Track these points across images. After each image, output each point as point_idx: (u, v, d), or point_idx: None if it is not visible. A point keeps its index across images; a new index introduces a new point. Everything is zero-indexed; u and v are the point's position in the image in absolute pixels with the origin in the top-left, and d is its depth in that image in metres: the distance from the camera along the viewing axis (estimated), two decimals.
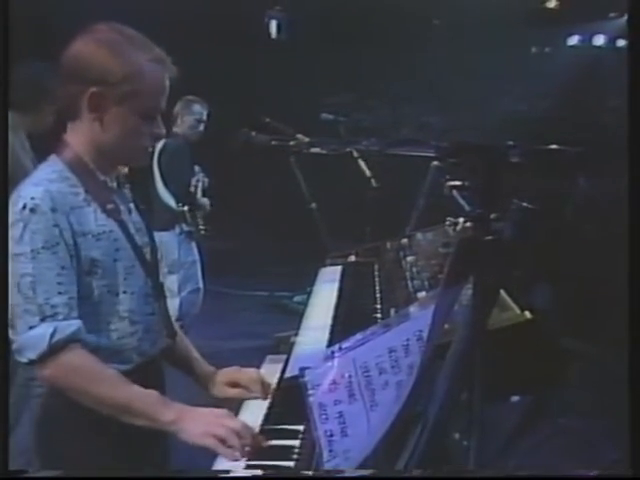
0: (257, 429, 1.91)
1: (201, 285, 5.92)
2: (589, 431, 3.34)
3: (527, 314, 1.86)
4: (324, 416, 1.57)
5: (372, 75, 9.79)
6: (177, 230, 5.67)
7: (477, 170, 1.51)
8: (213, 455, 1.80)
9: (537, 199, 1.37)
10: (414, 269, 2.70)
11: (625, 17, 8.67)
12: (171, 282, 5.56)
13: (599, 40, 9.92)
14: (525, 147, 1.66)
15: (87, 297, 1.92)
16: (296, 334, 2.57)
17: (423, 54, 9.25)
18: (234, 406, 2.08)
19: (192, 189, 5.73)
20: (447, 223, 2.86)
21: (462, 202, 2.63)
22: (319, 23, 8.79)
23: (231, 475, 1.72)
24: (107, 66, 1.90)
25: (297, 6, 8.91)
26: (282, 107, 7.18)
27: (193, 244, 5.81)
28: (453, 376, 1.33)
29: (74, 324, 1.85)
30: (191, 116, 5.77)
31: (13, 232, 1.85)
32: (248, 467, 1.74)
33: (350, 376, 1.58)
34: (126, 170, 2.15)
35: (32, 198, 1.85)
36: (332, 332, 2.47)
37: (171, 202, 5.64)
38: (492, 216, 1.37)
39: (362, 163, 5.03)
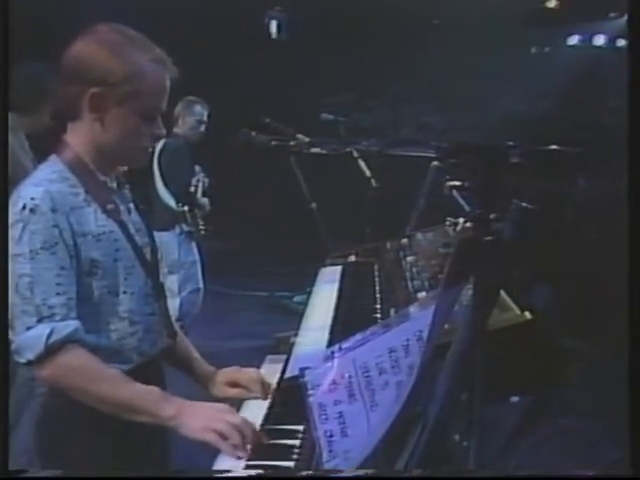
0: (257, 427, 1.91)
1: (201, 285, 5.92)
2: (589, 431, 3.34)
3: (527, 314, 1.86)
4: (324, 416, 1.57)
5: (372, 75, 9.80)
6: (177, 230, 5.67)
7: (477, 170, 1.51)
8: (213, 454, 1.80)
9: (537, 199, 1.38)
10: (414, 269, 2.70)
11: (625, 17, 8.67)
12: (171, 282, 5.56)
13: (599, 40, 9.92)
14: (525, 147, 1.66)
15: (87, 297, 1.92)
16: (296, 334, 2.57)
17: (423, 54, 9.24)
18: (234, 406, 2.08)
19: (192, 189, 5.73)
20: (447, 223, 2.86)
21: (462, 202, 2.64)
22: (319, 23, 8.79)
23: (231, 475, 1.72)
24: (108, 66, 1.90)
25: (297, 6, 8.91)
26: (282, 107, 7.19)
27: (193, 244, 5.81)
28: (453, 376, 1.33)
29: (71, 325, 1.85)
30: (192, 117, 5.77)
31: (13, 232, 1.85)
32: (248, 467, 1.74)
33: (350, 376, 1.58)
34: (125, 169, 2.15)
35: (32, 198, 1.85)
36: (332, 332, 2.47)
37: (171, 202, 5.65)
38: (492, 216, 1.37)
39: (362, 163, 5.03)
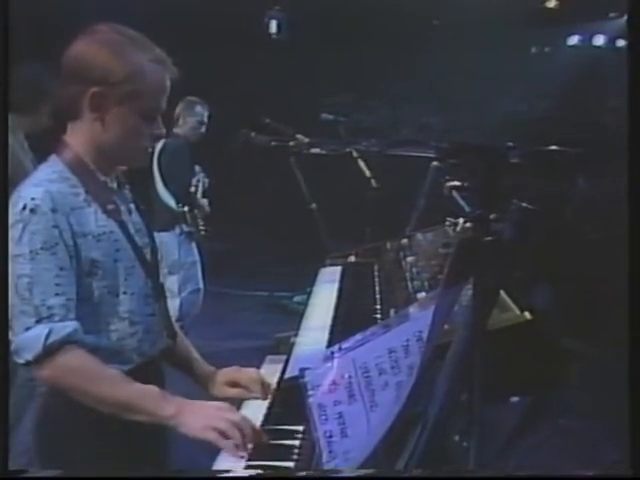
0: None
1: (201, 286, 5.92)
2: (589, 431, 3.34)
3: (527, 315, 1.86)
4: (324, 417, 1.57)
5: (372, 75, 9.80)
6: (177, 231, 5.67)
7: (477, 171, 1.52)
8: (213, 454, 1.80)
9: (537, 199, 1.37)
10: (414, 270, 2.70)
11: (625, 17, 8.67)
12: (171, 283, 5.56)
13: (599, 40, 9.91)
14: (525, 148, 1.66)
15: (87, 298, 1.92)
16: (296, 334, 2.57)
17: (423, 54, 9.25)
18: (234, 406, 2.08)
19: (192, 189, 5.74)
20: (447, 224, 2.86)
21: (462, 203, 2.63)
22: (319, 23, 8.79)
23: (231, 475, 1.72)
24: (108, 66, 1.90)
25: (297, 6, 8.90)
26: (282, 107, 7.19)
27: (193, 245, 5.81)
28: (453, 377, 1.33)
29: (70, 325, 1.85)
30: (193, 117, 5.78)
31: (13, 233, 1.85)
32: (248, 467, 1.74)
33: (350, 377, 1.58)
34: (125, 169, 2.15)
35: (32, 199, 1.85)
36: (332, 332, 2.47)
37: (171, 202, 5.65)
38: (492, 217, 1.37)
39: (362, 163, 5.03)
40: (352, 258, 3.51)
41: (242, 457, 1.77)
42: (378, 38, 8.93)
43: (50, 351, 1.83)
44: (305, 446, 1.78)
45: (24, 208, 1.84)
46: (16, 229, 1.84)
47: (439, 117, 10.20)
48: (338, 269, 3.36)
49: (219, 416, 1.83)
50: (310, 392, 1.61)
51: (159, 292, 2.10)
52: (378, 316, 2.52)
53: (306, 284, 3.47)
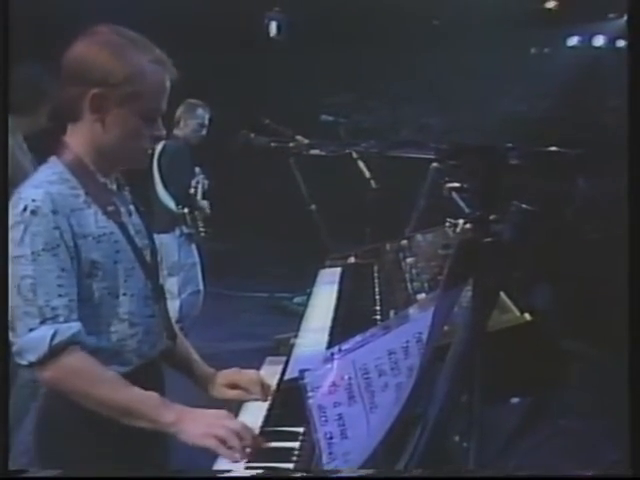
0: (257, 431, 1.91)
1: (201, 287, 5.92)
2: (589, 432, 3.34)
3: (527, 316, 1.86)
4: (324, 418, 1.57)
5: (372, 75, 9.80)
6: (177, 232, 5.67)
7: (477, 172, 1.51)
8: (213, 456, 1.81)
9: (537, 200, 1.37)
10: (414, 271, 2.70)
11: (625, 18, 8.67)
12: (171, 284, 5.57)
13: (599, 41, 9.92)
14: (524, 148, 1.66)
15: (87, 299, 1.92)
16: (296, 336, 2.57)
17: (423, 54, 9.25)
18: (234, 408, 2.08)
19: (192, 191, 5.74)
20: (447, 225, 2.86)
21: (462, 204, 2.63)
22: (319, 24, 8.79)
23: (231, 475, 1.72)
24: (109, 67, 1.90)
25: (297, 7, 8.90)
26: (282, 108, 7.19)
27: (193, 246, 5.81)
28: (453, 378, 1.33)
29: (74, 326, 1.85)
30: (194, 120, 5.78)
31: (13, 234, 1.85)
32: (248, 469, 1.74)
33: (350, 378, 1.58)
34: (125, 171, 2.15)
35: (33, 200, 1.85)
36: (332, 334, 2.47)
37: (171, 204, 5.65)
38: (492, 218, 1.37)
39: (362, 164, 5.03)
40: (352, 259, 3.51)
41: (241, 462, 1.77)
42: (378, 38, 8.93)
43: (55, 352, 1.83)
44: (305, 447, 1.78)
45: (25, 209, 1.84)
46: (17, 230, 1.84)
47: (439, 117, 10.20)
48: (338, 270, 3.36)
49: (219, 423, 1.83)
50: (310, 393, 1.61)
51: (159, 293, 2.10)
52: (378, 317, 2.51)
53: (306, 285, 3.47)
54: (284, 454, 1.79)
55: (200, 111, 5.82)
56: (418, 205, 3.70)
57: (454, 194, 2.74)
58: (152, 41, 2.00)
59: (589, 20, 9.56)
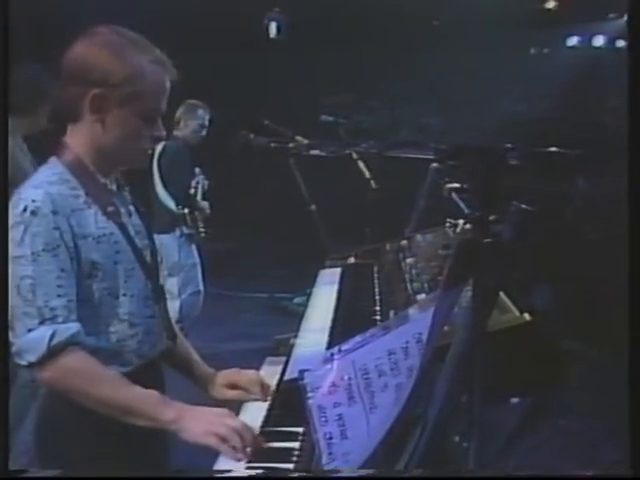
0: (257, 431, 1.91)
1: (201, 287, 5.92)
2: (589, 432, 3.34)
3: (526, 316, 1.87)
4: (323, 418, 1.57)
5: (372, 75, 9.80)
6: (177, 233, 5.68)
7: (476, 172, 1.51)
8: (214, 455, 1.81)
9: (537, 201, 1.37)
10: (414, 271, 2.70)
11: (624, 18, 8.68)
12: (171, 285, 5.57)
13: (598, 41, 9.93)
14: (524, 149, 1.66)
15: (87, 299, 1.92)
16: (296, 336, 2.57)
17: (423, 54, 9.25)
18: (234, 408, 2.08)
19: (192, 191, 5.74)
20: (447, 225, 2.86)
21: (461, 204, 2.63)
22: (319, 24, 8.79)
23: (231, 475, 1.72)
24: (109, 68, 1.90)
25: (296, 7, 8.90)
26: (282, 109, 7.19)
27: (193, 247, 5.81)
28: (453, 378, 1.33)
29: (73, 327, 1.85)
30: (194, 121, 5.79)
31: (13, 234, 1.85)
32: (248, 469, 1.74)
33: (349, 378, 1.58)
34: (124, 171, 2.14)
35: (33, 201, 1.85)
36: (331, 334, 2.47)
37: (171, 205, 5.65)
38: (491, 218, 1.37)
39: (361, 165, 5.04)
40: (352, 259, 3.51)
41: (241, 461, 1.77)
42: (378, 38, 8.93)
43: (54, 352, 1.83)
44: (305, 448, 1.78)
45: (25, 210, 1.84)
46: (17, 231, 1.84)
47: (439, 118, 10.21)
48: (338, 270, 3.36)
49: (219, 422, 1.83)
50: (310, 394, 1.61)
51: (159, 294, 2.10)
52: (378, 318, 2.51)
53: (306, 286, 3.47)
54: (284, 454, 1.79)
55: (200, 112, 5.82)
56: (418, 205, 3.70)
57: (454, 194, 2.74)
58: (152, 42, 2.00)
59: (589, 20, 9.57)
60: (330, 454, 1.54)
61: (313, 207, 5.18)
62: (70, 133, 2.00)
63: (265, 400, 2.12)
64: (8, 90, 2.06)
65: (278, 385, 2.18)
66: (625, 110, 1.84)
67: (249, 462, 1.76)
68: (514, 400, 1.87)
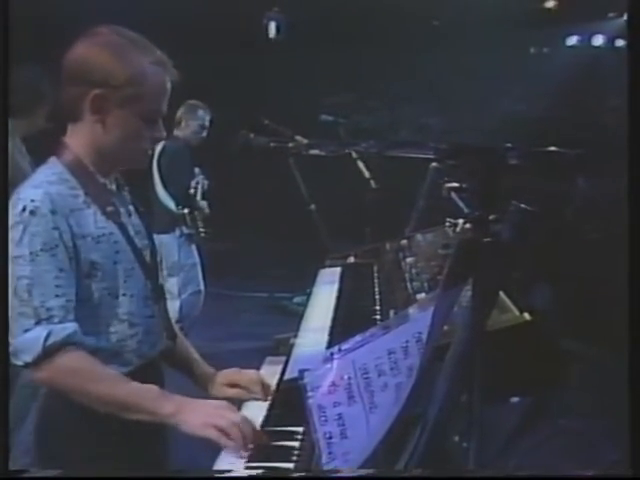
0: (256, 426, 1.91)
1: (202, 287, 5.93)
2: (589, 432, 3.34)
3: (526, 315, 1.87)
4: (323, 418, 1.57)
5: (372, 75, 9.80)
6: (177, 233, 5.68)
7: (476, 172, 1.51)
8: (213, 454, 1.81)
9: (536, 200, 1.37)
10: (413, 270, 2.70)
11: (624, 17, 8.68)
12: (171, 284, 5.57)
13: (598, 40, 9.92)
14: (524, 148, 1.66)
15: (86, 299, 1.92)
16: (295, 336, 2.57)
17: (423, 54, 9.25)
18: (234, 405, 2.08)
19: (192, 191, 5.74)
20: (446, 225, 2.86)
21: (461, 204, 2.63)
22: (318, 24, 8.79)
23: (231, 475, 1.72)
24: (110, 69, 1.91)
25: (296, 7, 8.90)
26: (281, 109, 7.19)
27: (193, 246, 5.81)
28: (452, 378, 1.33)
29: (69, 327, 1.85)
30: (195, 121, 5.79)
31: (13, 234, 1.85)
32: (248, 468, 1.74)
33: (349, 378, 1.58)
34: (123, 171, 2.15)
35: (32, 200, 1.85)
36: (331, 334, 2.47)
37: (171, 205, 5.65)
38: (491, 218, 1.37)
39: (361, 165, 5.03)
40: (351, 259, 3.51)
41: (242, 456, 1.77)
42: (378, 38, 8.93)
43: (49, 353, 1.83)
44: (305, 447, 1.78)
45: (24, 210, 1.84)
46: (16, 230, 1.84)
47: (438, 117, 10.21)
48: (337, 270, 3.36)
49: (219, 414, 1.83)
50: (309, 393, 1.61)
51: (159, 294, 2.10)
52: (377, 317, 2.52)
53: (306, 285, 3.47)
54: (284, 453, 1.79)
55: (201, 112, 5.82)
56: (418, 205, 3.70)
57: (453, 194, 2.74)
58: (152, 42, 2.00)
59: (589, 19, 9.56)
60: (330, 453, 1.54)
61: (313, 207, 5.18)
62: (70, 133, 2.00)
63: (265, 400, 2.12)
64: (8, 90, 2.05)
65: (278, 384, 2.18)
66: (625, 110, 1.84)
67: (249, 461, 1.76)
68: (514, 400, 1.87)
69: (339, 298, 2.90)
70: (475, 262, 1.34)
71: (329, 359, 1.63)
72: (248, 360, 2.43)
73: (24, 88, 3.64)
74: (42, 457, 2.02)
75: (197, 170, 5.82)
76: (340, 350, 1.63)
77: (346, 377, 1.58)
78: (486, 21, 8.41)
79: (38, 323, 1.84)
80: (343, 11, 8.51)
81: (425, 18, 9.34)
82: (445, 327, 1.44)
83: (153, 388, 1.90)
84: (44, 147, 2.17)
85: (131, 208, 2.11)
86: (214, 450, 1.81)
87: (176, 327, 2.25)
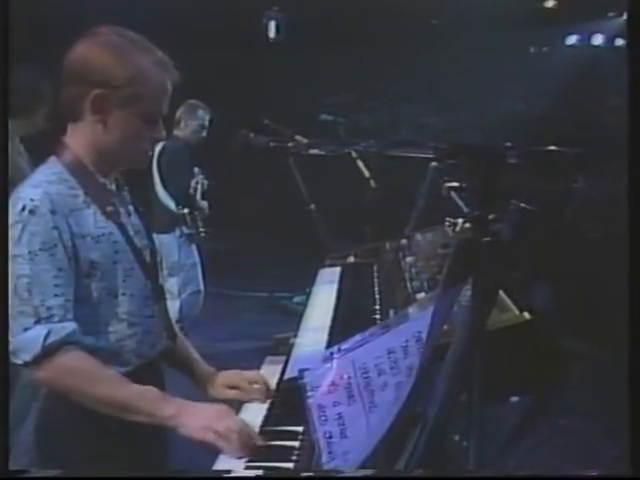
0: (257, 430, 1.91)
1: (202, 287, 5.92)
2: (589, 431, 3.34)
3: (526, 315, 1.86)
4: (323, 417, 1.57)
5: (372, 75, 9.80)
6: (177, 232, 5.67)
7: (476, 171, 1.51)
8: (213, 454, 1.81)
9: (536, 200, 1.37)
10: (413, 270, 2.70)
11: (624, 16, 8.68)
12: (171, 284, 5.57)
13: (598, 39, 9.91)
14: (524, 148, 1.66)
15: (86, 299, 1.92)
16: (295, 335, 2.57)
17: (422, 54, 9.25)
18: (234, 407, 2.07)
19: (191, 191, 5.74)
20: (446, 224, 2.86)
21: (461, 203, 2.63)
22: (318, 23, 8.78)
23: (231, 475, 1.72)
24: (111, 69, 1.90)
25: (296, 7, 8.90)
26: (281, 108, 7.18)
27: (193, 246, 5.81)
28: (452, 377, 1.33)
29: (69, 326, 1.85)
30: (195, 121, 5.79)
31: (12, 233, 1.85)
32: (247, 468, 1.74)
33: (349, 377, 1.58)
34: (124, 171, 2.14)
35: (31, 200, 1.85)
36: (331, 333, 2.47)
37: (171, 204, 5.65)
38: (491, 217, 1.37)
39: (361, 164, 5.03)
40: (351, 258, 3.51)
41: (240, 459, 1.77)
42: (377, 38, 8.93)
43: (49, 352, 1.83)
44: (305, 447, 1.78)
45: (23, 209, 1.84)
46: (15, 230, 1.84)
47: (438, 117, 10.21)
48: (337, 270, 3.36)
49: (218, 417, 1.83)
50: (309, 393, 1.61)
51: (158, 294, 2.10)
52: (377, 317, 2.51)
53: (305, 285, 3.47)
54: (284, 453, 1.79)
55: (201, 112, 5.82)
56: (417, 204, 3.70)
57: (453, 193, 2.74)
58: (151, 42, 1.99)
59: (588, 19, 9.56)
60: (330, 453, 1.54)
61: (313, 206, 5.18)
62: (70, 133, 2.00)
63: (265, 401, 2.11)
64: (8, 90, 2.05)
65: (278, 384, 2.18)
66: (625, 109, 1.84)
67: (249, 461, 1.76)
68: (514, 399, 1.87)
69: (339, 298, 2.90)
70: (475, 261, 1.34)
71: (329, 358, 1.63)
72: (248, 360, 2.43)
73: (22, 88, 3.63)
74: (42, 457, 2.02)
75: (197, 170, 5.81)
76: (340, 349, 1.63)
77: (346, 376, 1.58)
78: (486, 20, 8.41)
79: (38, 322, 1.84)
80: (343, 10, 8.50)
81: (425, 18, 9.34)
82: (445, 326, 1.44)
83: (152, 390, 1.90)
84: (43, 147, 2.17)
85: (131, 208, 2.11)
86: (214, 450, 1.81)
87: (176, 327, 2.25)
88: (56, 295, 1.85)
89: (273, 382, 2.19)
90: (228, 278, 8.12)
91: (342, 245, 3.99)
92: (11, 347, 1.85)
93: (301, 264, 4.49)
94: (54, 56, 1.98)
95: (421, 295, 2.39)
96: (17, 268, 1.84)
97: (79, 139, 1.97)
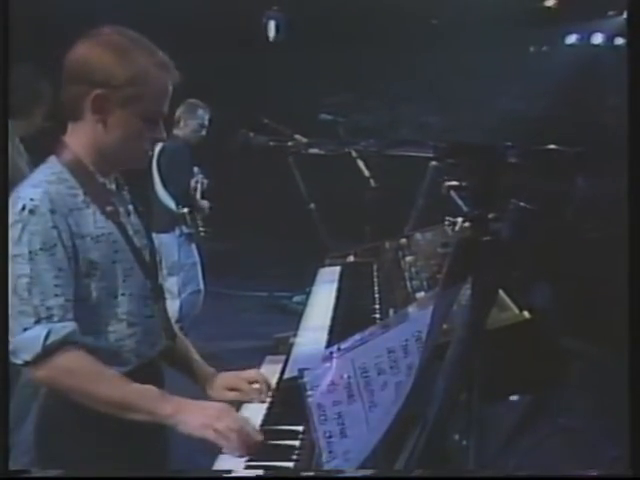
0: (256, 428, 1.91)
1: (202, 287, 5.92)
2: (589, 431, 3.34)
3: (526, 314, 1.86)
4: (323, 417, 1.56)
5: (372, 75, 9.80)
6: (177, 232, 5.68)
7: (475, 170, 1.51)
8: (213, 454, 1.81)
9: (536, 199, 1.37)
10: (413, 269, 2.70)
11: (624, 15, 8.68)
12: (171, 284, 5.57)
13: (598, 39, 9.92)
14: (523, 147, 1.65)
15: (85, 299, 1.92)
16: (295, 335, 2.57)
17: (422, 54, 9.25)
18: (234, 407, 2.08)
19: (191, 191, 5.74)
20: (446, 223, 2.86)
21: (460, 202, 2.63)
22: (318, 23, 8.78)
23: (231, 475, 1.72)
24: (112, 69, 1.91)
25: (295, 7, 8.90)
26: (281, 108, 7.18)
27: (193, 246, 5.81)
28: (452, 376, 1.33)
29: (69, 326, 1.85)
30: (195, 120, 5.79)
31: (12, 233, 1.85)
32: (248, 467, 1.74)
33: (349, 377, 1.58)
34: (124, 171, 2.14)
35: (31, 199, 1.85)
36: (331, 333, 2.47)
37: (171, 204, 5.65)
38: (490, 216, 1.37)
39: (361, 163, 5.03)
40: (351, 258, 3.52)
41: (240, 457, 1.77)
42: (377, 38, 8.93)
43: (49, 351, 1.83)
44: (305, 446, 1.78)
45: (23, 209, 1.84)
46: (15, 229, 1.85)
47: (438, 116, 10.21)
48: (337, 269, 3.36)
49: (218, 416, 1.83)
50: (309, 392, 1.61)
51: (158, 294, 2.10)
52: (377, 316, 2.52)
53: (305, 284, 3.48)
54: (284, 453, 1.79)
55: (200, 111, 5.82)
56: (417, 204, 3.70)
57: (453, 193, 2.74)
58: (151, 42, 1.99)
59: (588, 18, 9.56)
60: (330, 452, 1.54)
61: (312, 206, 5.18)
62: (70, 132, 2.00)
63: (265, 402, 2.11)
64: (8, 90, 2.05)
65: (278, 384, 2.18)
66: (625, 108, 1.84)
67: (249, 461, 1.76)
68: (513, 398, 1.87)
69: (339, 297, 2.90)
70: (474, 261, 1.34)
71: (329, 358, 1.63)
72: (248, 359, 2.43)
73: (21, 88, 3.63)
74: (42, 457, 2.02)
75: (197, 169, 5.82)
76: (340, 349, 1.63)
77: (346, 376, 1.58)
78: (485, 20, 8.41)
79: (38, 322, 1.84)
80: (343, 10, 8.50)
81: (425, 17, 9.34)
82: (444, 326, 1.44)
83: (152, 389, 1.90)
84: (43, 146, 2.16)
85: (130, 208, 2.11)
86: (214, 450, 1.81)
87: (176, 327, 2.25)
88: (56, 295, 1.85)
89: (273, 381, 2.19)
90: (228, 278, 8.12)
91: (342, 244, 4.00)
92: (11, 347, 1.86)
93: (301, 264, 4.50)
94: (54, 56, 1.98)
95: (421, 294, 2.39)
96: (17, 268, 1.84)
97: (79, 139, 1.97)
